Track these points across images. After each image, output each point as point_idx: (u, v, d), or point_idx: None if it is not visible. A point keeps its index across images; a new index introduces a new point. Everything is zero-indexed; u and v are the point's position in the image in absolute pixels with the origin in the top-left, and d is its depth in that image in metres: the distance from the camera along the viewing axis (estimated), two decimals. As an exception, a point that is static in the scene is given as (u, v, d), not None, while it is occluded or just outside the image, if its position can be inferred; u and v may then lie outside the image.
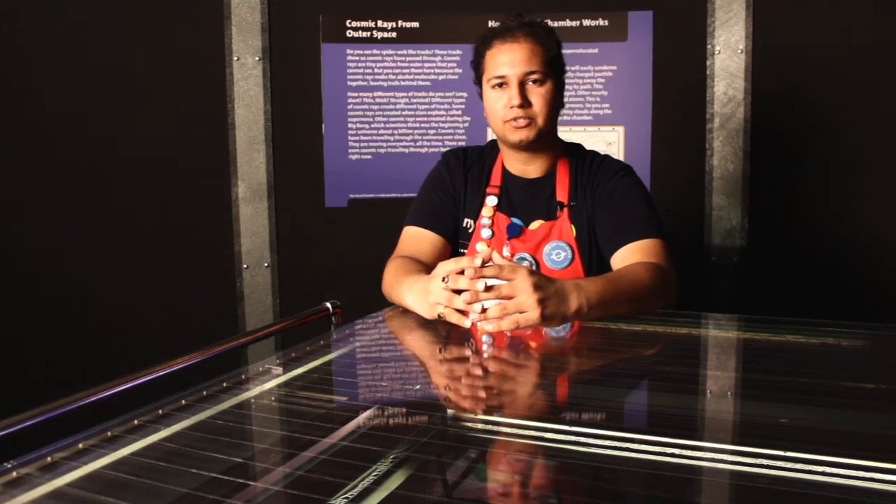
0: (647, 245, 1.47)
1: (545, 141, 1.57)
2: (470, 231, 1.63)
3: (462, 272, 1.23)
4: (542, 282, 1.20)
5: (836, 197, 2.41)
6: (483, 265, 1.21)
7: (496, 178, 1.64)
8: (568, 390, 1.05)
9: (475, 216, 1.63)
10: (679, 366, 1.12)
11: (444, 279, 1.24)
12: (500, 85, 1.53)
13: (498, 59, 1.53)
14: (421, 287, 1.33)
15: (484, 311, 1.20)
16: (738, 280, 2.45)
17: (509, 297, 1.18)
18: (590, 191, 1.58)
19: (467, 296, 1.20)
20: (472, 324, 1.22)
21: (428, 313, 1.30)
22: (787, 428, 0.82)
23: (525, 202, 1.62)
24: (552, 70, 1.54)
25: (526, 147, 1.56)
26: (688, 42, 2.42)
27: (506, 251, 1.57)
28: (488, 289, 1.19)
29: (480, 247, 1.58)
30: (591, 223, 1.58)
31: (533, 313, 1.17)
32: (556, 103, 1.56)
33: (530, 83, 1.52)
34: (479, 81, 1.61)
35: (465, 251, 1.62)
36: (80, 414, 0.87)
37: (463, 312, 1.23)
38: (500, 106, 1.53)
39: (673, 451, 0.73)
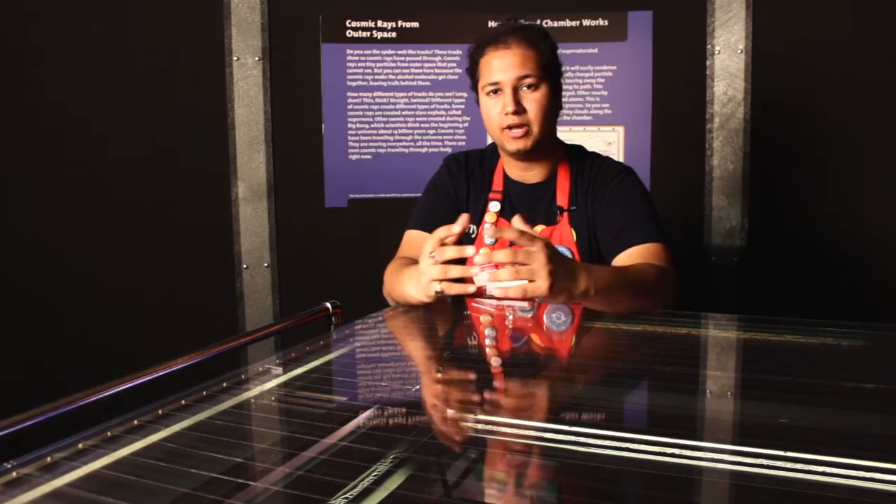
0: (649, 248, 1.47)
1: (544, 146, 1.57)
2: (473, 236, 1.63)
3: (443, 244, 1.22)
4: (557, 256, 1.19)
5: (836, 197, 2.41)
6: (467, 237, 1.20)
7: (498, 182, 1.64)
8: (568, 390, 1.05)
9: (478, 221, 1.63)
10: (679, 366, 1.12)
11: (430, 254, 1.24)
12: (495, 91, 1.53)
13: (491, 66, 1.52)
14: (413, 271, 1.32)
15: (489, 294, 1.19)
16: (738, 280, 2.45)
17: (523, 264, 1.17)
18: (590, 194, 1.58)
19: (472, 268, 1.18)
20: (476, 289, 1.20)
21: (424, 294, 1.28)
22: (787, 428, 0.82)
23: (526, 207, 1.61)
24: (547, 73, 1.53)
25: (524, 155, 1.56)
26: (688, 42, 2.42)
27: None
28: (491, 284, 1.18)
29: (484, 250, 1.58)
30: (592, 226, 1.57)
31: (542, 283, 1.16)
32: (551, 107, 1.55)
33: (524, 88, 1.52)
34: (475, 87, 1.60)
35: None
36: (80, 414, 0.87)
37: (463, 281, 1.22)
38: (495, 113, 1.53)
39: (673, 451, 0.73)
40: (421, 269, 1.27)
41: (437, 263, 1.23)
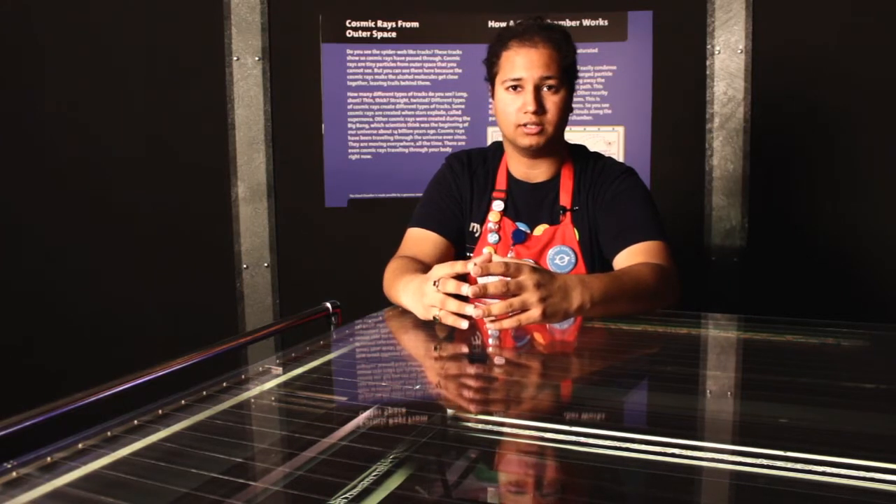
0: (650, 247, 1.47)
1: (553, 146, 1.57)
2: (476, 235, 1.63)
3: (455, 276, 1.22)
4: (545, 279, 1.19)
5: (836, 197, 2.41)
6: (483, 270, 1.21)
7: (501, 182, 1.64)
8: (568, 390, 1.05)
9: (481, 220, 1.63)
10: (679, 366, 1.12)
11: (434, 283, 1.24)
12: (515, 87, 1.52)
13: (514, 62, 1.51)
14: (416, 288, 1.32)
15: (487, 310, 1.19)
16: (738, 280, 2.45)
17: (514, 294, 1.18)
18: (592, 194, 1.58)
19: (468, 290, 1.18)
20: (478, 319, 1.21)
21: (422, 314, 1.30)
22: (787, 428, 0.82)
23: (530, 206, 1.61)
24: (567, 77, 1.53)
25: (534, 152, 1.56)
26: (688, 42, 2.42)
27: (510, 257, 1.57)
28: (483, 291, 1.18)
29: (486, 251, 1.58)
30: (594, 226, 1.57)
31: (534, 311, 1.17)
32: (567, 111, 1.56)
33: (546, 89, 1.51)
34: (491, 80, 1.59)
35: (472, 255, 1.61)
36: (80, 414, 0.87)
37: (459, 315, 1.22)
38: (513, 109, 1.52)
39: (673, 451, 0.73)
40: (425, 290, 1.27)
41: (438, 293, 1.24)
